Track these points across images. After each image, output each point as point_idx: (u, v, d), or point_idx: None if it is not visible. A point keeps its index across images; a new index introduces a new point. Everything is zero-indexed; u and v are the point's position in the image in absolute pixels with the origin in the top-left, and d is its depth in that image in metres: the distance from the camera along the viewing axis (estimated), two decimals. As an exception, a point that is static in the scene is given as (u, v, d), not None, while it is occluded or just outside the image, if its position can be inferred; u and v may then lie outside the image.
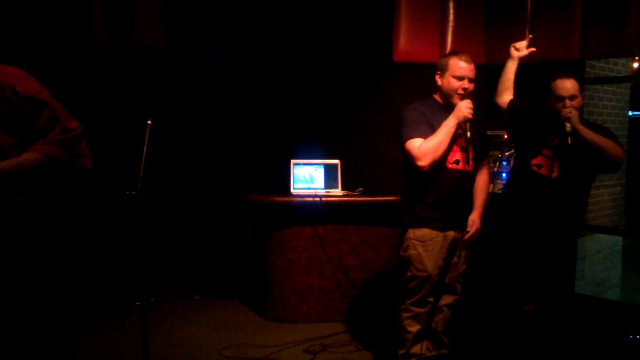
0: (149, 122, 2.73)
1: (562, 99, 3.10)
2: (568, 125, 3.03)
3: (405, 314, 3.07)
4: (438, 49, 4.54)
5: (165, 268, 4.73)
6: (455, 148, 3.02)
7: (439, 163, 2.95)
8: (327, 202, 4.12)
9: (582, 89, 3.22)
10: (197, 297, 4.73)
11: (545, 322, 3.37)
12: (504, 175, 4.16)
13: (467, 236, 3.08)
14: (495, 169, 4.17)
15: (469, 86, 2.99)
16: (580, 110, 3.16)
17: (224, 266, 4.85)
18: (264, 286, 4.31)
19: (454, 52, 3.12)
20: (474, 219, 3.12)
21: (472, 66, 3.01)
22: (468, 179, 3.09)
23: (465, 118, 2.92)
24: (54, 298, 2.21)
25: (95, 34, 4.04)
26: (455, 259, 3.11)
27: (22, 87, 2.12)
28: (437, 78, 3.07)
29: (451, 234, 3.05)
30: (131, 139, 3.02)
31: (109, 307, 4.32)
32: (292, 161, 4.28)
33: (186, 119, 4.79)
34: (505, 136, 4.17)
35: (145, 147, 2.70)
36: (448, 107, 3.01)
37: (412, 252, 3.02)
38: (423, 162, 2.88)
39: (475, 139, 3.06)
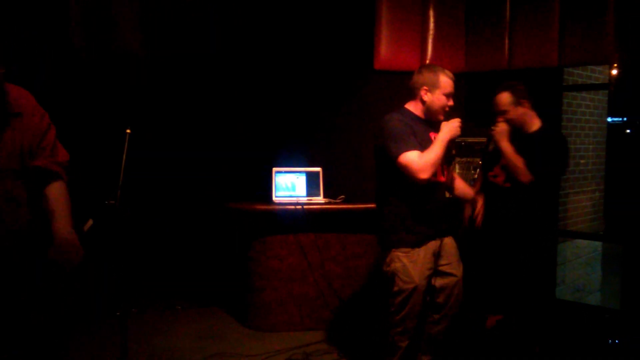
0: (128, 131, 2.71)
1: (495, 114, 3.33)
2: (491, 142, 3.34)
3: (396, 329, 3.02)
4: (419, 56, 4.57)
5: (146, 277, 4.70)
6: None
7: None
8: (309, 210, 4.11)
9: (517, 102, 3.35)
10: (179, 307, 4.69)
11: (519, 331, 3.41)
12: (484, 181, 4.19)
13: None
14: (476, 176, 4.19)
15: (452, 103, 3.05)
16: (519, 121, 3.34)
17: (206, 275, 4.82)
18: (246, 295, 4.29)
19: (440, 69, 3.05)
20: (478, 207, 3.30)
21: (454, 84, 3.06)
22: (444, 190, 3.14)
23: (457, 136, 2.97)
24: (54, 305, 2.18)
25: (75, 39, 4.01)
26: (446, 266, 3.09)
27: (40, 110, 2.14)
28: (424, 93, 3.01)
29: (432, 243, 3.04)
30: (111, 147, 2.99)
31: (88, 317, 4.27)
32: (274, 169, 4.27)
33: (167, 126, 4.77)
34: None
35: (124, 156, 2.68)
36: (427, 121, 3.03)
37: (396, 264, 2.97)
38: (425, 175, 2.83)
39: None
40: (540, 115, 4.47)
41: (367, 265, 4.25)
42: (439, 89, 2.98)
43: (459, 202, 3.43)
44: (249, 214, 4.19)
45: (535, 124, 3.40)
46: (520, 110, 3.34)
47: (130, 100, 4.07)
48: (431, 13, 4.53)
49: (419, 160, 2.83)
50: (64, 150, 2.19)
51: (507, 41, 4.36)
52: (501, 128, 3.30)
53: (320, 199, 4.26)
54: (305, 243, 4.15)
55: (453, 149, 3.04)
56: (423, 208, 2.99)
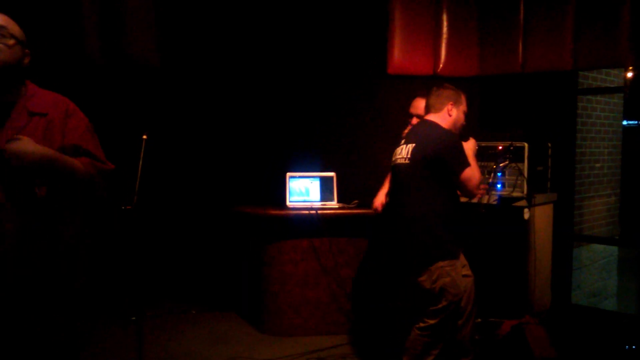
0: (145, 137, 2.74)
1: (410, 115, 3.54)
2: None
3: (428, 339, 3.01)
4: (432, 61, 4.57)
5: (161, 282, 4.73)
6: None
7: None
8: (323, 215, 4.12)
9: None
10: (193, 311, 4.71)
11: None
12: (499, 186, 4.17)
13: None
14: (490, 180, 4.18)
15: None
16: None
17: (220, 279, 4.84)
18: (260, 299, 4.30)
19: (461, 91, 3.18)
20: None
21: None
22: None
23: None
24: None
25: (89, 47, 4.06)
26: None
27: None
28: (450, 108, 3.09)
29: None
30: (127, 153, 3.02)
31: (105, 321, 4.31)
32: (288, 174, 4.28)
33: (181, 132, 4.80)
34: (499, 147, 4.20)
35: (140, 162, 2.71)
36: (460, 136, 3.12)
37: (444, 280, 2.94)
38: (480, 190, 3.16)
39: None
40: (556, 119, 4.49)
41: (369, 269, 4.24)
42: (462, 105, 3.12)
43: None
44: (263, 219, 4.21)
45: None
46: None
47: (145, 107, 4.11)
48: (444, 17, 4.53)
49: (477, 177, 2.97)
50: (108, 163, 2.22)
51: (520, 45, 4.36)
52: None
53: (334, 203, 4.27)
54: (319, 248, 4.16)
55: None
56: (458, 219, 3.06)
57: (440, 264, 2.95)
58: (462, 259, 3.03)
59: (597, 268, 5.55)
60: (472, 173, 2.92)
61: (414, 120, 3.52)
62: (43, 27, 3.85)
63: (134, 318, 4.20)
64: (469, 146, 3.06)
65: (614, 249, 5.91)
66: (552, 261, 4.32)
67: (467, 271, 3.05)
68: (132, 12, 4.17)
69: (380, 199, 3.71)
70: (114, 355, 3.74)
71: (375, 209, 3.70)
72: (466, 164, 2.93)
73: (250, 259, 4.42)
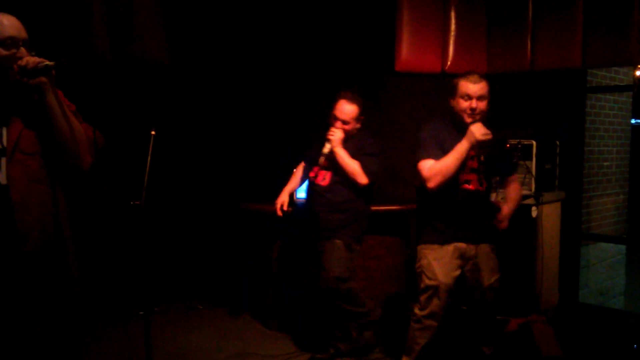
0: (153, 132, 2.75)
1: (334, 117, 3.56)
2: (327, 146, 3.50)
3: (416, 325, 3.08)
4: (440, 58, 4.55)
5: (168, 277, 4.74)
6: (467, 169, 3.07)
7: (451, 183, 3.02)
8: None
9: (359, 118, 3.58)
10: (200, 307, 4.73)
11: None
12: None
13: (499, 225, 3.13)
14: (498, 178, 4.16)
15: (478, 104, 3.01)
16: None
17: (227, 275, 4.85)
18: (267, 295, 4.31)
19: (463, 74, 3.12)
20: (504, 211, 3.15)
21: (480, 85, 3.03)
22: (480, 198, 3.14)
23: (478, 142, 2.96)
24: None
25: (98, 45, 4.07)
26: (475, 271, 3.11)
27: None
28: (450, 100, 3.10)
29: (462, 245, 3.09)
30: (136, 149, 3.04)
31: (111, 316, 4.33)
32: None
33: (189, 128, 4.81)
34: (507, 145, 4.18)
35: (149, 158, 2.72)
36: (460, 128, 3.05)
37: (423, 262, 3.09)
38: (431, 184, 2.98)
39: (490, 157, 3.10)
40: (564, 117, 4.47)
41: (387, 267, 4.25)
42: (457, 92, 3.05)
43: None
44: (270, 215, 4.21)
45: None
46: (358, 126, 3.59)
47: (153, 103, 4.13)
48: (452, 14, 4.51)
49: (428, 169, 2.98)
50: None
51: (529, 42, 4.33)
52: (339, 136, 3.51)
53: (341, 200, 4.25)
54: (326, 244, 4.15)
55: (482, 155, 3.04)
56: (450, 214, 3.08)
57: (421, 249, 3.14)
58: (450, 252, 3.08)
59: (605, 267, 5.53)
60: (422, 167, 2.99)
61: (338, 124, 3.54)
62: (53, 25, 3.87)
63: (141, 313, 4.22)
64: (466, 136, 2.98)
65: (622, 248, 5.89)
66: (559, 259, 4.32)
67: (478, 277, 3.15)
68: (141, 10, 4.18)
69: (282, 198, 3.77)
70: (123, 350, 3.76)
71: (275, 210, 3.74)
72: (419, 157, 3.01)
73: (257, 255, 4.43)
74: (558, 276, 4.29)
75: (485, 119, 3.04)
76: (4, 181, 1.99)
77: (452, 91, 3.07)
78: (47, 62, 1.98)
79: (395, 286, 4.24)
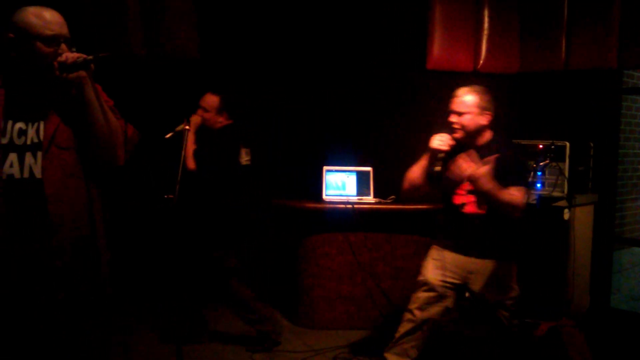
0: (187, 127, 2.78)
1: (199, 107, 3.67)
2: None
3: (404, 315, 3.14)
4: (472, 56, 4.52)
5: (193, 271, 4.76)
6: (460, 190, 3.00)
7: (449, 202, 3.04)
8: (359, 210, 4.12)
9: (221, 110, 3.70)
10: (228, 301, 4.75)
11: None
12: (538, 185, 4.11)
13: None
14: (530, 179, 4.12)
15: (457, 120, 2.95)
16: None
17: (255, 270, 4.87)
18: (294, 292, 4.32)
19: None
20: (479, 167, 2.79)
21: (460, 100, 2.96)
22: (480, 222, 2.98)
23: (433, 150, 2.93)
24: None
25: (132, 40, 4.13)
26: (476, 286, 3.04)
27: None
28: None
29: (461, 257, 3.03)
30: (169, 143, 3.07)
31: (140, 308, 4.38)
32: (325, 168, 4.29)
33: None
34: (540, 146, 4.13)
35: (183, 152, 2.75)
36: (466, 144, 2.98)
37: (425, 258, 3.17)
38: (402, 189, 3.16)
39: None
40: (598, 118, 4.39)
41: (416, 266, 4.21)
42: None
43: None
44: (299, 212, 4.23)
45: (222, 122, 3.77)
46: (220, 119, 3.72)
47: (186, 97, 4.16)
48: (485, 12, 4.47)
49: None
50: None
51: (564, 41, 4.28)
52: (196, 120, 3.65)
53: (370, 198, 4.26)
54: (355, 242, 4.15)
55: (436, 165, 2.97)
56: (447, 220, 3.12)
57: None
58: (446, 257, 3.08)
59: (638, 272, 5.43)
60: None
61: (199, 112, 3.69)
62: (88, 20, 3.93)
63: (169, 306, 4.27)
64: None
65: (655, 253, 5.77)
66: (591, 263, 4.24)
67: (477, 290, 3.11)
68: (173, 4, 4.23)
69: None
70: (153, 341, 3.80)
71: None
72: None
73: (286, 252, 4.44)
74: (589, 280, 4.22)
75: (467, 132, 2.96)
76: (39, 175, 2.02)
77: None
78: (86, 57, 2.00)
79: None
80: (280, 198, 4.37)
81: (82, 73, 2.01)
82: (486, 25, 4.47)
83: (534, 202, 4.03)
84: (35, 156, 2.03)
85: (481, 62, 4.50)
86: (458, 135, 2.94)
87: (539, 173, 4.11)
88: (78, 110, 2.06)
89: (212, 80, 4.75)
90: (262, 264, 4.86)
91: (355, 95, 4.72)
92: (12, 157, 2.01)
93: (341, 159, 4.38)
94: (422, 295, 3.06)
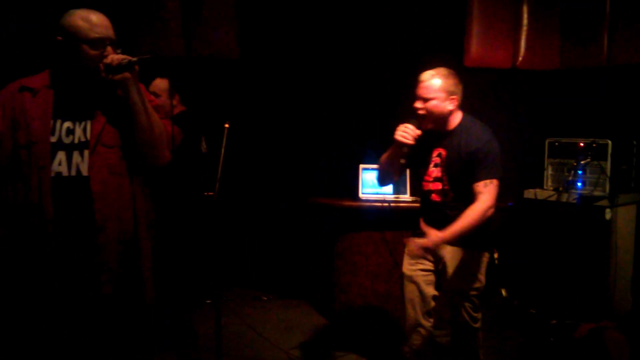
0: (227, 125, 2.81)
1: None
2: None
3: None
4: (511, 53, 4.46)
5: (234, 267, 4.84)
6: (427, 177, 2.90)
7: (420, 189, 2.99)
8: (396, 208, 4.10)
9: (171, 93, 3.61)
10: (265, 298, 4.81)
11: None
12: (579, 184, 4.04)
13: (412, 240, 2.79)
14: (570, 178, 4.06)
15: (423, 105, 2.82)
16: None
17: (292, 267, 4.91)
18: (331, 289, 4.34)
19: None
20: (436, 233, 2.71)
21: (426, 84, 2.83)
22: (448, 205, 2.87)
23: (396, 141, 2.78)
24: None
25: (173, 39, 4.21)
26: (443, 272, 2.96)
27: None
28: None
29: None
30: (210, 141, 3.12)
31: (178, 303, 4.45)
32: (361, 166, 4.28)
33: (259, 122, 4.88)
34: (581, 144, 4.06)
35: (222, 150, 2.78)
36: (438, 132, 2.88)
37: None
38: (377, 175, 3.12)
39: (459, 169, 2.81)
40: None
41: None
42: None
43: None
44: (336, 210, 4.23)
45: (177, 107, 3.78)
46: (174, 102, 3.68)
47: (227, 96, 4.22)
48: (525, 8, 4.41)
49: None
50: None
51: (606, 37, 4.19)
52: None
53: (407, 197, 4.24)
54: (391, 241, 4.14)
55: (402, 157, 2.76)
56: (423, 214, 3.03)
57: None
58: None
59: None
60: None
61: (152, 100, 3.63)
62: (130, 22, 4.02)
63: (209, 301, 4.35)
64: None
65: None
66: (634, 264, 4.15)
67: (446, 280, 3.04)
68: (213, 5, 4.30)
69: None
70: (191, 337, 3.87)
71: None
72: None
73: (323, 250, 4.46)
74: (632, 281, 4.13)
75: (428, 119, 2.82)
76: (85, 172, 2.09)
77: None
78: (130, 58, 2.06)
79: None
80: (317, 196, 4.39)
81: (127, 74, 2.07)
82: (525, 21, 4.41)
83: (575, 201, 3.98)
84: (82, 154, 2.09)
85: (520, 58, 4.44)
86: (424, 123, 2.79)
87: (580, 172, 4.04)
88: (124, 110, 2.12)
89: (252, 80, 4.81)
90: (299, 261, 4.91)
91: (392, 93, 4.71)
92: (61, 155, 2.08)
93: (378, 157, 4.36)
94: (406, 289, 3.02)
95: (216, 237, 2.93)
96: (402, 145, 2.74)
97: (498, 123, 4.71)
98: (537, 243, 4.23)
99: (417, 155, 2.86)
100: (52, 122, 2.08)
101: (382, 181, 3.18)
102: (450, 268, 2.93)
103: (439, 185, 2.87)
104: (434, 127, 2.83)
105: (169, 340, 3.69)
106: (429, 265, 2.99)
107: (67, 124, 2.11)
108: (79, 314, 2.11)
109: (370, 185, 4.27)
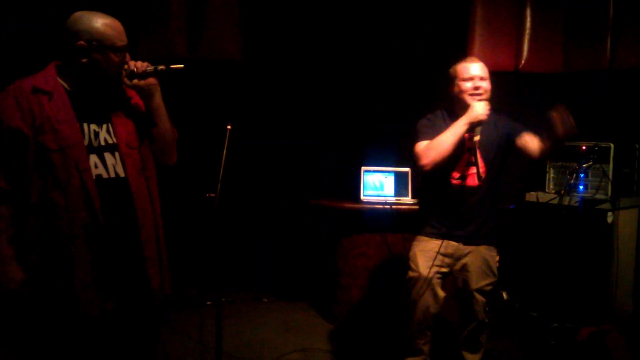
0: (229, 127, 2.81)
1: None
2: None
3: (410, 323, 3.02)
4: (514, 56, 4.47)
5: (235, 268, 4.84)
6: (462, 163, 2.91)
7: (444, 178, 2.92)
8: (397, 210, 4.10)
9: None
10: (265, 300, 4.81)
11: None
12: (581, 187, 4.04)
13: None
14: (572, 181, 4.05)
15: (481, 84, 2.87)
16: None
17: (293, 269, 4.92)
18: (332, 291, 4.34)
19: (463, 60, 3.00)
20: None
21: (480, 64, 2.92)
22: (478, 195, 2.92)
23: (478, 120, 2.78)
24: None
25: (177, 43, 4.22)
26: (464, 271, 2.97)
27: None
28: (450, 90, 3.00)
29: (453, 244, 2.98)
30: (212, 143, 3.12)
31: (179, 305, 4.46)
32: (363, 168, 4.28)
33: (261, 124, 4.88)
34: (583, 147, 4.06)
35: (224, 151, 2.78)
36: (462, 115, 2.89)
37: (410, 253, 3.05)
38: (424, 161, 2.83)
39: (493, 150, 2.92)
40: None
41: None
42: (457, 78, 2.94)
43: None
44: (338, 212, 4.24)
45: None
46: None
47: (229, 98, 4.23)
48: (528, 11, 4.42)
49: (422, 147, 2.86)
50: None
51: (609, 40, 4.20)
52: None
53: (408, 199, 4.24)
54: (393, 243, 4.14)
55: (476, 135, 2.79)
56: (444, 207, 2.99)
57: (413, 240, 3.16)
58: (436, 246, 2.98)
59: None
60: (417, 147, 2.91)
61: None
62: (133, 24, 4.03)
63: (209, 303, 4.35)
64: (467, 114, 2.83)
65: None
66: (635, 268, 4.14)
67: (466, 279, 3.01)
68: (217, 7, 4.30)
69: None
70: (191, 339, 3.87)
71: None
72: (416, 140, 2.93)
73: (324, 251, 4.47)
74: (633, 284, 4.12)
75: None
76: (122, 174, 2.15)
77: (452, 78, 2.97)
78: (159, 66, 2.15)
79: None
80: (319, 198, 4.39)
81: (153, 80, 2.14)
82: (528, 24, 4.41)
83: (577, 204, 3.97)
84: (114, 156, 2.14)
85: (523, 61, 4.45)
86: (486, 100, 2.84)
87: (582, 175, 4.04)
88: (139, 113, 2.21)
89: (256, 82, 4.81)
90: (300, 262, 4.91)
91: (394, 95, 4.72)
92: (94, 157, 2.11)
93: (379, 160, 4.37)
94: (416, 292, 2.95)
95: (217, 238, 2.93)
96: (481, 122, 2.79)
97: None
98: (539, 246, 4.23)
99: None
100: (79, 125, 2.10)
101: (434, 164, 2.84)
102: (473, 268, 2.95)
103: (472, 170, 2.87)
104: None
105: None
106: (445, 268, 2.99)
107: (93, 127, 2.14)
108: (133, 311, 2.18)
109: (372, 187, 4.28)
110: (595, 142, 3.99)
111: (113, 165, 2.13)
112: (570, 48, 4.39)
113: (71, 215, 2.02)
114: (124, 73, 2.12)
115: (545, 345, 3.70)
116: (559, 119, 2.62)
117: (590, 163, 3.99)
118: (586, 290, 3.92)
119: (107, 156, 2.12)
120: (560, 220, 4.05)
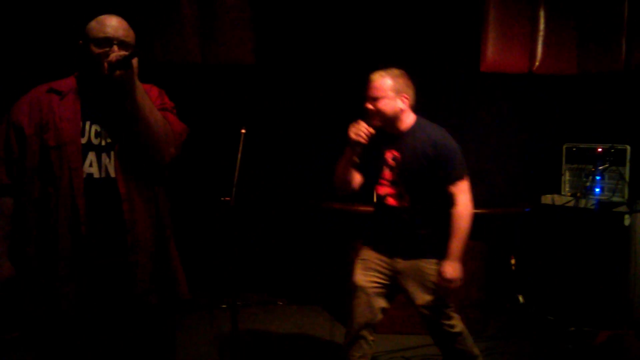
0: (243, 131, 2.83)
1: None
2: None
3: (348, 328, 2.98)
4: (527, 58, 4.45)
5: (250, 271, 4.85)
6: (382, 181, 2.83)
7: (375, 195, 2.89)
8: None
9: None
10: (280, 302, 4.81)
11: None
12: (597, 190, 4.00)
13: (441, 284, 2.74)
14: (588, 184, 4.02)
15: (372, 105, 2.77)
16: None
17: (306, 272, 4.91)
18: (346, 294, 4.32)
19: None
20: (443, 269, 2.72)
21: (374, 84, 2.80)
22: (403, 215, 2.81)
23: (350, 141, 2.71)
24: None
25: (189, 47, 4.25)
26: (406, 286, 2.84)
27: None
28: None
29: (385, 258, 2.86)
30: (226, 147, 3.13)
31: (194, 307, 4.47)
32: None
33: (275, 127, 4.90)
34: (599, 149, 4.02)
35: (239, 155, 2.80)
36: (391, 134, 2.83)
37: (355, 259, 2.98)
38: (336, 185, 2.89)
39: (416, 171, 2.76)
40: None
41: (469, 271, 4.15)
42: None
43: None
44: (351, 214, 4.23)
45: None
46: None
47: (243, 101, 4.24)
48: (541, 13, 4.40)
49: None
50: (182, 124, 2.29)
51: (624, 41, 4.16)
52: None
53: (422, 202, 4.22)
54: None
55: (355, 155, 2.76)
56: (376, 225, 2.95)
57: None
58: (372, 256, 2.91)
59: None
60: None
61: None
62: (146, 28, 4.06)
63: (224, 306, 4.36)
64: None
65: None
66: (654, 271, 4.10)
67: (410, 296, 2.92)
68: (229, 11, 4.33)
69: None
70: (207, 342, 3.88)
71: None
72: None
73: (338, 254, 4.46)
74: (651, 288, 4.07)
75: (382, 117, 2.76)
76: (113, 174, 2.11)
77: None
78: (125, 53, 2.02)
79: (474, 291, 4.15)
80: (332, 201, 4.38)
81: (122, 71, 2.01)
82: (542, 26, 4.39)
83: (593, 207, 3.94)
84: (109, 156, 2.12)
85: (537, 63, 4.42)
86: (375, 122, 2.73)
87: (598, 177, 4.00)
88: (127, 108, 2.10)
89: (268, 86, 4.83)
90: (314, 266, 4.91)
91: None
92: (91, 156, 2.10)
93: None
94: (354, 301, 2.90)
95: (231, 242, 2.94)
96: (356, 144, 2.70)
97: (515, 128, 4.73)
98: (555, 249, 4.19)
99: (370, 159, 2.83)
100: (81, 123, 2.11)
101: (339, 189, 2.93)
102: (412, 285, 2.82)
103: (394, 189, 2.79)
104: (384, 126, 2.77)
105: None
106: (384, 279, 2.87)
107: (95, 126, 2.13)
108: (113, 313, 2.13)
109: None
110: (611, 144, 3.95)
111: (106, 165, 2.11)
112: (584, 49, 4.36)
113: (60, 212, 2.05)
114: (105, 66, 2.02)
115: (562, 349, 3.67)
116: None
117: (607, 165, 3.96)
118: (603, 294, 3.88)
119: (103, 156, 2.11)
120: (577, 223, 4.02)
